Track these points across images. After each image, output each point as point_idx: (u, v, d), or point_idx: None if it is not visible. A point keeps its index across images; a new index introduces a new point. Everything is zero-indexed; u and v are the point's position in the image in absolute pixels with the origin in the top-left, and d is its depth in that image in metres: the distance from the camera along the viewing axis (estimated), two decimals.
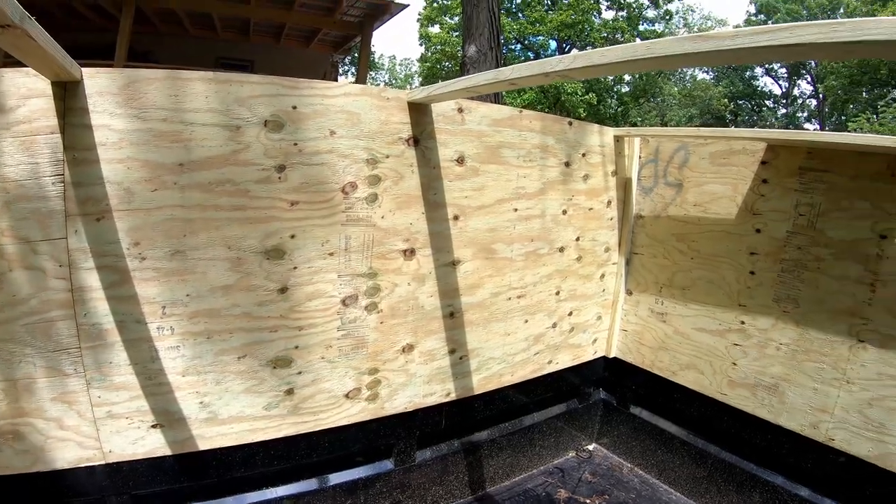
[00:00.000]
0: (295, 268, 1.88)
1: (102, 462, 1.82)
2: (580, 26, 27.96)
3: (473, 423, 2.53)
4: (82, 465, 1.80)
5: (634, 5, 30.97)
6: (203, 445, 1.92)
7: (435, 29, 30.43)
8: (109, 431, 1.80)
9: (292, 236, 1.85)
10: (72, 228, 1.62)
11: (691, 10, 40.74)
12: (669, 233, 2.69)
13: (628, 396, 2.95)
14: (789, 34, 0.88)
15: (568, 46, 30.16)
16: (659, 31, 32.39)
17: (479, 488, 2.63)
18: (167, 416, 1.85)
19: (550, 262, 2.49)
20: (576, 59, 1.31)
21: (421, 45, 31.70)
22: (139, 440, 1.84)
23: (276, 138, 1.78)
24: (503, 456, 2.67)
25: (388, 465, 2.33)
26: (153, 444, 1.86)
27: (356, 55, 14.58)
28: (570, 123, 2.47)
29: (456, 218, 2.13)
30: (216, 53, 12.11)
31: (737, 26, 39.22)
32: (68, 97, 1.56)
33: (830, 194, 2.14)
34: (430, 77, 31.11)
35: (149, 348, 1.79)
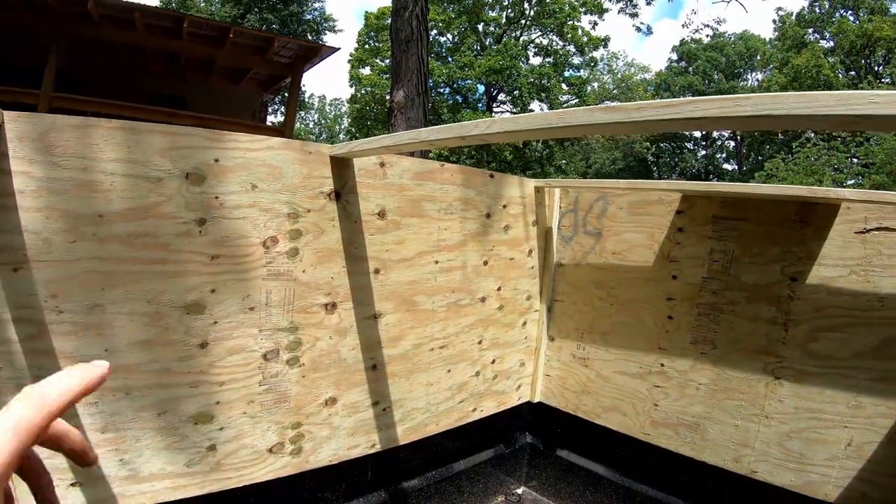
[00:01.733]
0: (215, 322, 1.88)
1: None
2: (508, 71, 28.93)
3: (400, 473, 2.53)
4: None
5: (561, 52, 32.29)
6: None
7: (366, 71, 30.88)
8: (26, 491, 1.73)
9: (213, 291, 1.85)
10: None
11: (615, 58, 42.65)
12: (589, 280, 2.81)
13: (554, 440, 3.02)
14: (693, 108, 0.97)
15: (495, 90, 31.10)
16: (584, 77, 33.77)
17: None
18: (87, 475, 1.79)
19: (472, 312, 2.56)
20: (491, 124, 1.40)
21: (351, 86, 32.04)
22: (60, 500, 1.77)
23: (197, 191, 1.79)
24: None
25: None
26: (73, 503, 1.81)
27: (285, 94, 14.61)
28: (492, 175, 2.57)
29: (377, 271, 2.18)
30: (149, 87, 11.96)
31: (658, 72, 41.32)
32: None
33: (742, 241, 2.30)
34: (359, 119, 31.44)
35: None
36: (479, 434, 2.81)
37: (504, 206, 2.63)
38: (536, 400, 3.02)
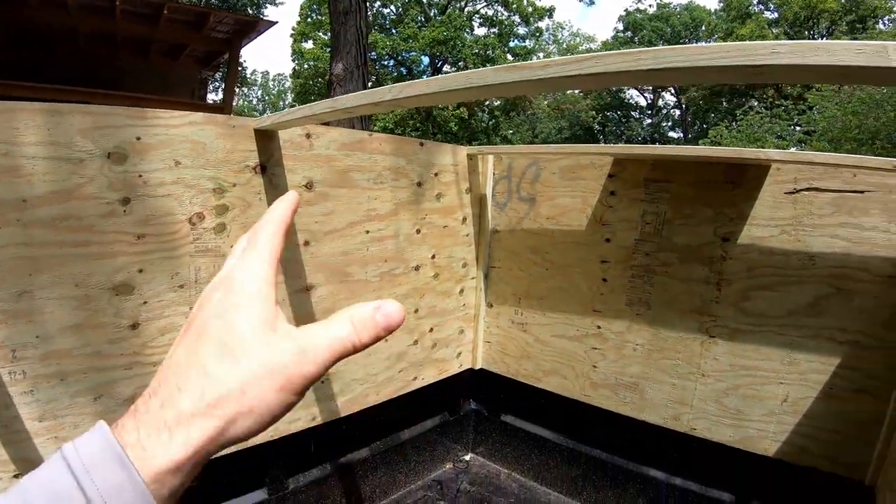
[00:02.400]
0: (145, 302, 1.84)
1: None
2: (452, 43, 28.76)
3: (345, 445, 2.55)
4: None
5: (506, 22, 32.20)
6: None
7: (308, 45, 30.22)
8: None
9: (140, 270, 1.82)
10: None
11: (561, 28, 42.80)
12: (525, 246, 2.85)
13: (498, 405, 3.08)
14: (595, 63, 0.98)
15: (440, 62, 30.87)
16: (529, 48, 33.79)
17: None
18: (28, 465, 1.75)
19: (406, 281, 2.57)
20: (403, 89, 1.40)
21: (294, 60, 31.37)
22: (1, 492, 1.73)
23: (119, 170, 1.74)
24: (379, 474, 2.70)
25: (261, 494, 2.29)
26: None
27: (225, 70, 14.27)
28: (422, 144, 2.57)
29: (307, 243, 2.16)
30: (84, 69, 11.47)
31: (604, 42, 41.67)
32: None
33: (674, 203, 2.36)
34: (303, 93, 30.87)
35: (2, 394, 1.70)
36: (423, 402, 2.84)
37: (436, 175, 2.63)
38: (478, 366, 3.07)
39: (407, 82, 1.41)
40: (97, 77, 11.18)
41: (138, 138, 1.77)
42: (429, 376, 2.80)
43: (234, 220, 1.98)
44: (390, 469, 2.76)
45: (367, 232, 2.35)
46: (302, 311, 2.20)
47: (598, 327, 2.61)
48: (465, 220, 2.83)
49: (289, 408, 0.51)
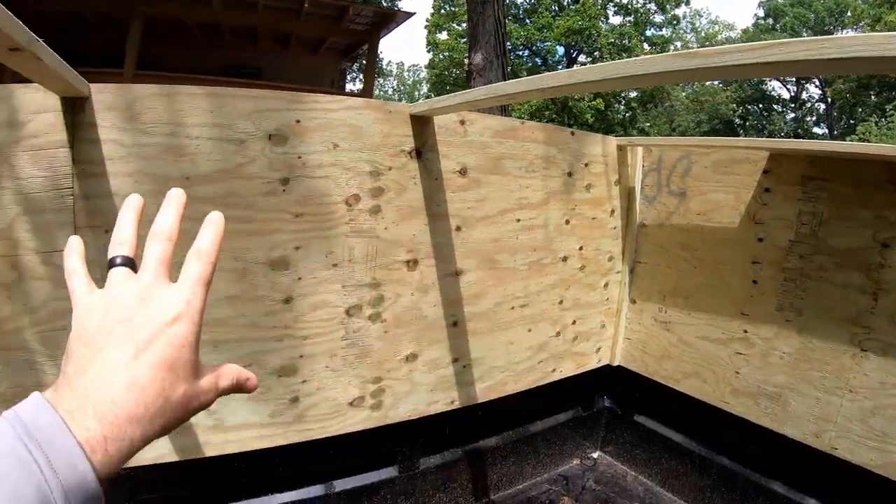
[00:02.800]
0: (300, 278, 1.91)
1: None
2: (587, 32, 27.84)
3: (478, 431, 2.55)
4: None
5: (641, 10, 30.82)
6: (209, 452, 1.95)
7: (443, 35, 30.38)
8: None
9: (297, 248, 1.88)
10: (81, 240, 1.65)
11: (699, 15, 40.60)
12: (673, 241, 2.71)
13: (632, 404, 2.96)
14: (777, 52, 0.89)
15: (575, 52, 30.02)
16: (666, 36, 32.27)
17: (483, 495, 2.65)
18: None
19: (553, 271, 2.51)
20: (571, 75, 1.34)
21: (429, 51, 31.64)
22: (147, 447, 1.87)
23: (280, 151, 1.81)
24: (507, 463, 2.69)
25: (392, 472, 2.35)
26: (160, 451, 1.89)
27: (363, 62, 14.52)
28: (573, 133, 2.49)
29: (458, 229, 2.16)
30: (224, 61, 12.13)
31: (744, 30, 39.12)
32: (76, 112, 1.60)
33: (832, 203, 2.14)
34: (438, 84, 31.07)
35: None
36: (558, 395, 2.78)
37: (586, 165, 2.55)
38: (616, 363, 2.96)
39: (573, 68, 1.35)
40: (237, 69, 11.83)
41: (298, 121, 1.83)
42: (567, 369, 2.74)
43: (389, 202, 2.01)
44: (519, 459, 2.73)
45: (518, 220, 2.31)
46: (451, 295, 2.21)
47: (745, 331, 2.43)
48: (613, 212, 2.72)
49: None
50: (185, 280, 0.57)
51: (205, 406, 0.56)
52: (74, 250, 0.62)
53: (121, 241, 0.60)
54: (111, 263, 0.58)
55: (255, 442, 2.01)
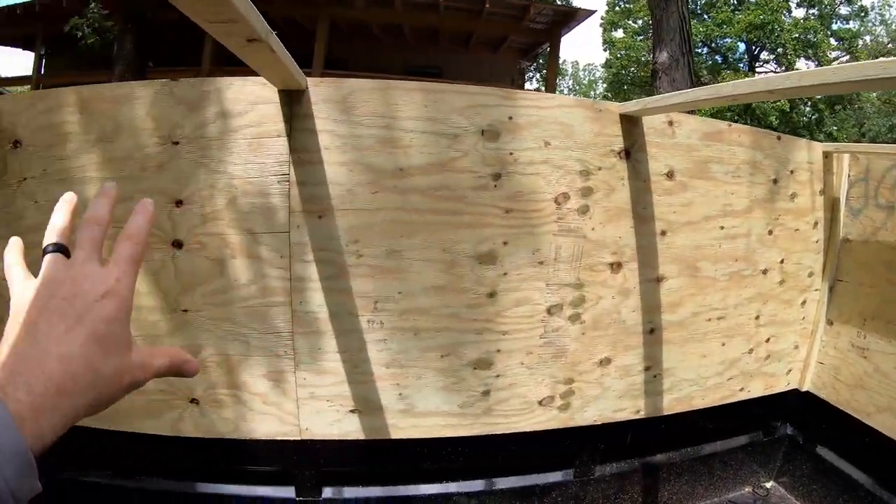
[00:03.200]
0: (505, 274, 1.92)
1: (297, 438, 1.99)
2: (770, 27, 25.81)
3: (657, 444, 2.46)
4: (277, 439, 1.97)
5: (826, 2, 28.45)
6: (395, 434, 2.03)
7: (618, 33, 29.52)
8: (309, 411, 1.95)
9: (505, 243, 1.90)
10: (294, 224, 1.76)
11: (888, 6, 36.83)
12: (878, 260, 2.47)
13: (816, 435, 2.74)
14: None
15: (757, 49, 28.04)
16: (854, 30, 29.57)
17: None
18: (366, 404, 1.97)
19: (753, 284, 2.36)
20: (803, 76, 1.26)
21: (605, 50, 30.77)
22: (336, 422, 1.98)
23: (492, 147, 1.83)
24: (680, 482, 2.57)
25: (566, 475, 2.32)
26: (348, 428, 1.99)
27: (541, 61, 14.48)
28: (779, 138, 2.34)
29: (663, 233, 2.09)
30: (405, 61, 12.67)
31: None
32: (294, 104, 1.70)
33: None
34: (615, 83, 30.21)
35: (358, 339, 1.90)
36: (741, 416, 2.62)
37: (791, 172, 2.38)
38: (805, 388, 2.75)
39: (808, 69, 1.25)
40: (418, 69, 12.27)
41: (510, 118, 1.84)
42: (755, 389, 2.57)
43: (598, 203, 1.97)
44: (692, 479, 2.61)
45: (721, 228, 2.20)
46: (651, 301, 2.14)
47: None
48: (816, 224, 2.53)
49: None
50: (116, 260, 0.57)
51: (138, 384, 0.55)
52: (14, 248, 0.62)
53: (54, 231, 0.60)
54: (45, 251, 0.57)
55: (442, 430, 2.05)
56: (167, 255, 1.82)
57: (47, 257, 0.57)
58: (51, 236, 0.59)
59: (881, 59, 1.09)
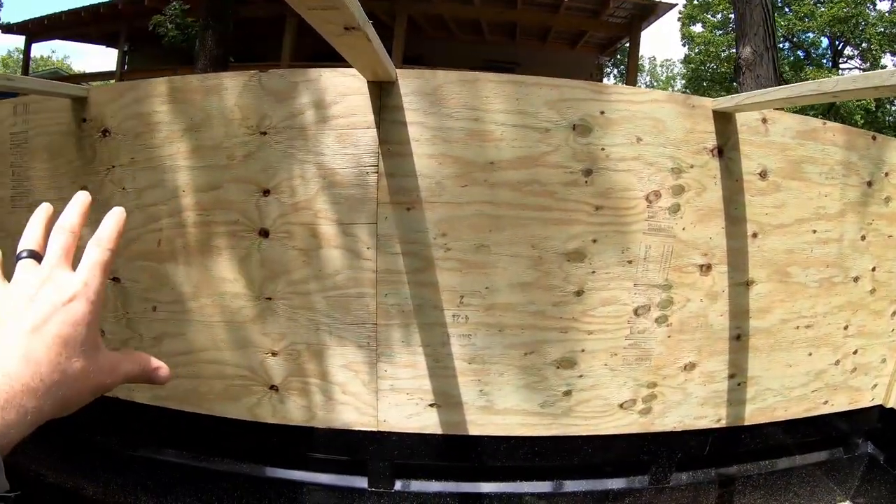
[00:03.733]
0: (593, 272, 1.88)
1: (374, 429, 1.99)
2: (854, 20, 25.02)
3: (735, 455, 2.37)
4: (355, 429, 1.98)
5: None
6: (473, 431, 2.01)
7: (697, 28, 28.84)
8: (388, 403, 1.94)
9: (594, 241, 1.86)
10: (382, 215, 1.76)
11: None
12: None
13: None
14: None
15: (841, 44, 27.08)
16: None
17: None
18: (445, 398, 1.95)
19: (843, 291, 2.27)
20: None
21: (684, 45, 30.23)
22: (414, 415, 1.97)
23: (583, 142, 1.80)
24: (755, 496, 2.48)
25: (642, 481, 2.26)
26: (426, 422, 1.97)
27: (619, 56, 14.33)
28: (874, 138, 2.24)
29: (755, 235, 2.01)
30: (482, 56, 12.74)
31: None
32: (384, 96, 1.70)
33: None
34: (694, 79, 29.53)
35: (441, 333, 1.89)
36: (823, 431, 2.52)
37: (886, 174, 2.28)
38: (890, 405, 2.62)
39: None
40: (496, 63, 12.32)
41: (602, 112, 1.80)
42: (839, 403, 2.46)
43: (689, 202, 1.92)
44: (766, 494, 2.51)
45: (814, 231, 2.11)
46: (739, 306, 2.07)
47: None
48: None
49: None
50: (85, 264, 0.58)
51: (105, 387, 0.56)
52: None
53: (28, 239, 0.61)
54: (18, 257, 0.60)
55: (520, 429, 2.02)
56: (253, 244, 1.83)
57: (20, 263, 0.59)
58: (24, 244, 0.61)
59: None
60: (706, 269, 1.98)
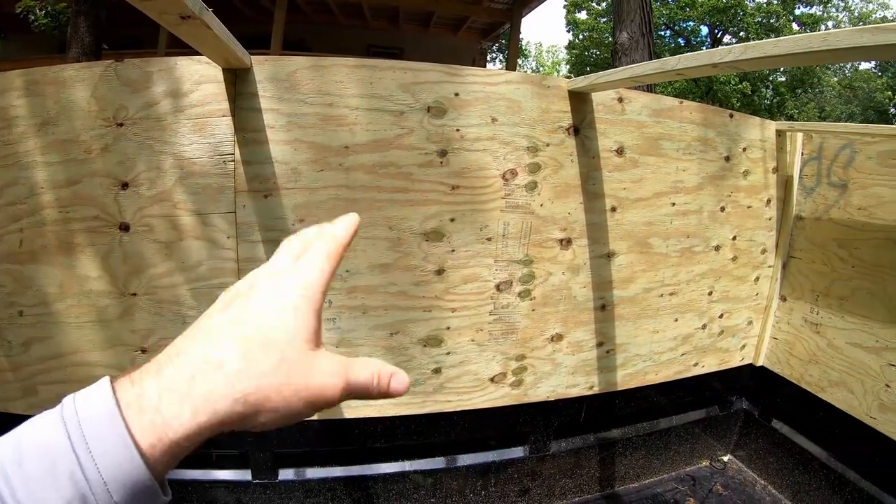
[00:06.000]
0: (453, 250, 1.92)
1: None
2: (732, 11, 25.89)
3: (611, 420, 2.48)
4: None
5: None
6: (348, 414, 2.03)
7: (582, 15, 29.27)
8: None
9: (452, 220, 1.89)
10: (240, 203, 1.75)
11: None
12: (830, 237, 2.51)
13: (771, 409, 2.79)
14: None
15: (720, 32, 28.04)
16: (817, 15, 29.63)
17: (608, 486, 2.59)
18: None
19: (705, 260, 2.39)
20: (747, 49, 1.25)
21: (568, 31, 30.59)
22: None
23: (438, 124, 1.82)
24: (636, 456, 2.61)
25: (521, 451, 2.35)
26: None
27: (503, 42, 14.35)
28: (731, 115, 2.35)
29: (613, 209, 2.09)
30: (366, 41, 12.56)
31: None
32: (239, 83, 1.68)
33: None
34: (578, 65, 30.03)
35: None
36: (695, 392, 2.66)
37: (744, 150, 2.40)
38: (759, 363, 2.79)
39: (757, 41, 1.25)
40: (379, 49, 12.14)
41: (456, 94, 1.83)
42: (709, 365, 2.61)
43: (546, 179, 1.97)
44: (648, 454, 2.64)
45: (673, 204, 2.21)
46: (602, 277, 2.15)
47: None
48: (769, 202, 2.55)
49: (302, 418, 0.50)
50: (317, 256, 0.57)
51: (327, 397, 0.50)
52: (327, 237, 0.60)
53: (311, 232, 0.60)
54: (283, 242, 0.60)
55: (393, 409, 2.05)
56: (115, 239, 1.79)
57: (283, 244, 0.59)
58: (297, 235, 0.60)
59: (822, 31, 1.09)
60: (566, 243, 2.05)
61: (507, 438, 2.31)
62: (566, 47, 34.01)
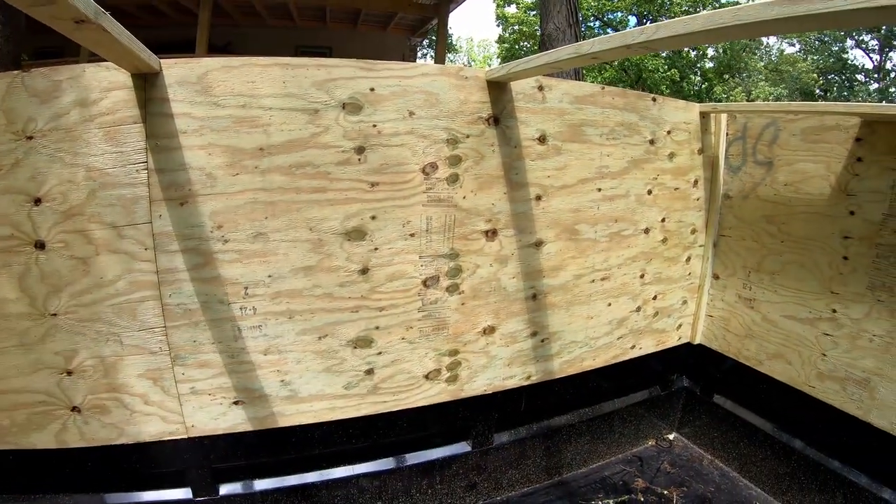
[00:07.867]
0: (376, 249, 1.88)
1: (185, 436, 1.90)
2: (659, 1, 26.50)
3: (553, 408, 2.49)
4: (165, 439, 1.89)
5: None
6: (283, 422, 1.97)
7: (511, 9, 29.47)
8: (192, 407, 1.87)
9: (373, 217, 1.86)
10: (156, 213, 1.68)
11: None
12: (759, 214, 2.55)
13: (711, 385, 2.84)
14: None
15: (648, 21, 28.64)
16: (741, 4, 30.37)
17: (556, 473, 2.60)
18: (248, 394, 1.91)
19: (635, 243, 2.40)
20: (658, 29, 1.25)
21: (498, 25, 30.82)
22: (221, 416, 1.91)
23: (354, 120, 1.78)
24: (581, 442, 2.62)
25: (465, 447, 2.33)
26: (234, 420, 1.92)
27: (433, 38, 14.32)
28: (654, 100, 2.37)
29: (538, 198, 2.08)
30: (295, 42, 12.35)
31: None
32: (148, 88, 1.61)
33: None
34: (508, 58, 30.13)
35: (232, 328, 1.84)
36: (635, 374, 2.69)
37: (668, 133, 2.42)
38: (697, 341, 2.84)
39: (669, 20, 1.26)
40: (307, 48, 11.95)
41: (372, 89, 1.79)
42: (647, 346, 2.63)
43: (468, 171, 1.95)
44: (593, 438, 2.66)
45: (599, 190, 2.21)
46: (530, 267, 2.14)
47: (834, 311, 2.27)
48: (696, 182, 2.59)
49: None
50: None
51: None
52: None
53: None
54: None
55: (329, 413, 2.01)
56: (31, 258, 1.70)
57: None
58: None
59: (734, 7, 1.09)
60: (492, 234, 2.03)
61: (449, 435, 2.29)
62: (496, 41, 34.28)
